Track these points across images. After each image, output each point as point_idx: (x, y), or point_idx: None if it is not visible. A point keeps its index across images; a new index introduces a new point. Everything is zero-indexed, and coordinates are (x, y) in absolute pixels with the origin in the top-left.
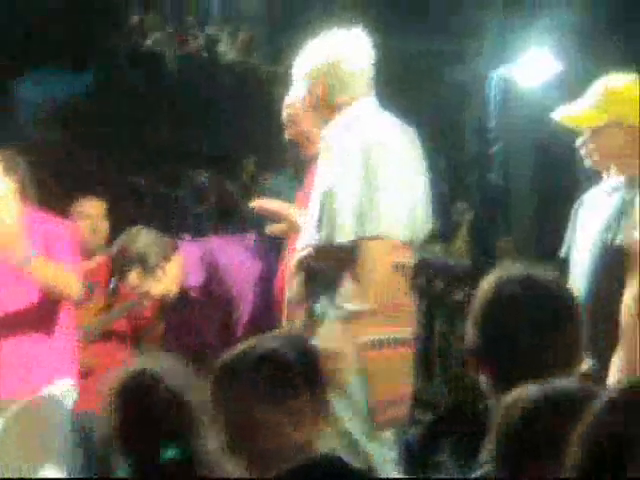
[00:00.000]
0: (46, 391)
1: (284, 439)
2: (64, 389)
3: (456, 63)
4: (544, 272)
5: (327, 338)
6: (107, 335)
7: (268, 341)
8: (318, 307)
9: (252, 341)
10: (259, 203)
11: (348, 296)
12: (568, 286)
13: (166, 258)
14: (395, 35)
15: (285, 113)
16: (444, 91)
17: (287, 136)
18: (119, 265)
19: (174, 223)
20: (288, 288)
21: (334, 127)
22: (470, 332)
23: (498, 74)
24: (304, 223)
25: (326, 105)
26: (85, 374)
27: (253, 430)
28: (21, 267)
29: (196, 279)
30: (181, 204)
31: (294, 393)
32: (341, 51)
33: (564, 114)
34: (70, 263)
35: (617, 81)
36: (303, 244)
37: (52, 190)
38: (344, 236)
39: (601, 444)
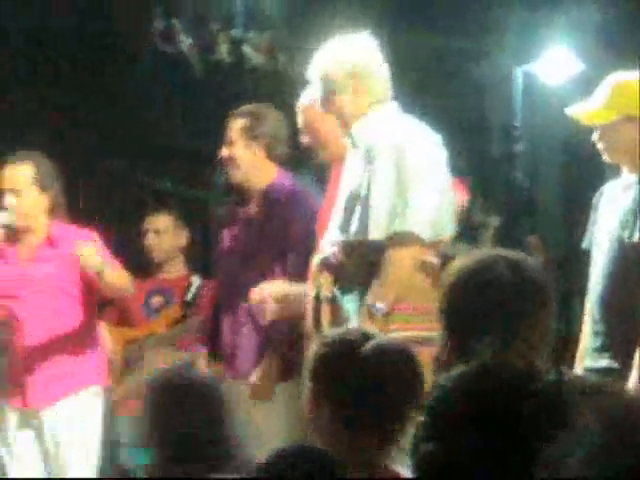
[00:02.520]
0: (79, 397)
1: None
2: (95, 394)
3: (478, 61)
4: (515, 254)
5: None
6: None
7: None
8: (346, 305)
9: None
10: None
11: (376, 294)
12: (538, 267)
13: None
14: (417, 34)
15: (301, 119)
16: (467, 89)
17: (304, 141)
18: None
19: (198, 225)
20: (311, 285)
21: (362, 128)
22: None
23: (521, 71)
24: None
25: (349, 108)
26: None
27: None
28: (95, 271)
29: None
30: (205, 206)
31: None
32: (357, 55)
33: (577, 111)
34: (113, 263)
35: (626, 77)
36: (329, 242)
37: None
38: (377, 232)
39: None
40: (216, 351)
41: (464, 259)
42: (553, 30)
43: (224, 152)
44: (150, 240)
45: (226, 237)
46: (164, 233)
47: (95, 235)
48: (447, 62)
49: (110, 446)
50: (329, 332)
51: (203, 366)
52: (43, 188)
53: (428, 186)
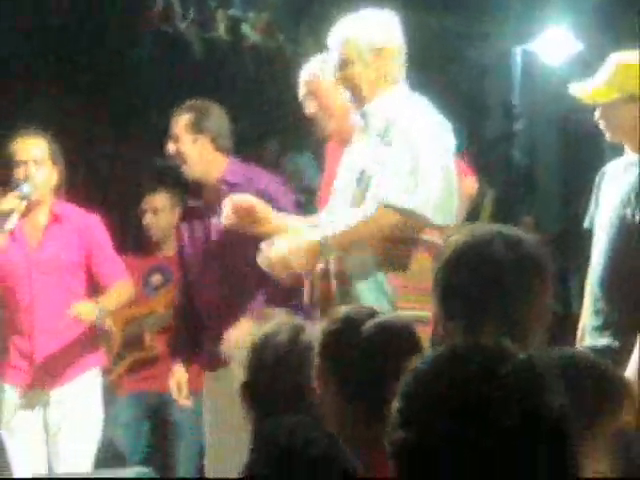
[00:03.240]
0: (83, 378)
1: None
2: (96, 375)
3: (478, 41)
4: (514, 230)
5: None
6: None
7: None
8: (356, 281)
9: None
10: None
11: (379, 266)
12: (537, 244)
13: None
14: (416, 15)
15: (305, 88)
16: (466, 70)
17: (307, 111)
18: None
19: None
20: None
21: (378, 107)
22: (442, 284)
23: (520, 50)
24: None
25: (364, 83)
26: (152, 360)
27: None
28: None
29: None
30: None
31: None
32: (382, 32)
33: (579, 90)
34: (112, 253)
35: (628, 57)
36: (331, 220)
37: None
38: (388, 209)
39: None
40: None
41: (460, 235)
42: (552, 10)
43: (171, 148)
44: (148, 219)
45: (185, 234)
46: (161, 211)
47: (97, 217)
48: (446, 42)
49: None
50: (339, 309)
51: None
52: (54, 163)
53: (439, 171)
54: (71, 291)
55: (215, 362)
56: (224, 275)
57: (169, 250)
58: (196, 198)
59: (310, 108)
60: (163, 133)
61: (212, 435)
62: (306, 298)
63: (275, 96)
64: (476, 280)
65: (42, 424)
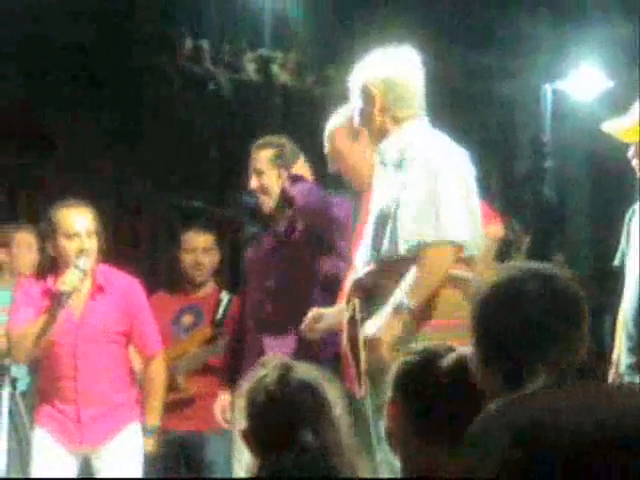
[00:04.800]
0: (124, 433)
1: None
2: (136, 430)
3: (508, 78)
4: (549, 268)
5: (374, 324)
6: (208, 369)
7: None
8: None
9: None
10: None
11: (404, 291)
12: (572, 280)
13: None
14: (446, 52)
15: (329, 146)
16: (495, 107)
17: (332, 170)
18: None
19: (225, 244)
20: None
21: (391, 142)
22: (478, 332)
23: (550, 88)
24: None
25: (381, 121)
26: (187, 401)
27: None
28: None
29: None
30: (232, 224)
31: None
32: (397, 68)
33: (612, 127)
34: (150, 318)
35: None
36: (361, 262)
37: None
38: (406, 243)
39: None
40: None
41: (495, 273)
42: (582, 48)
43: (254, 183)
44: (200, 258)
45: (253, 259)
46: (210, 251)
47: (137, 282)
48: (477, 80)
49: None
50: (414, 346)
51: None
52: (99, 232)
53: (459, 200)
54: (114, 356)
55: None
56: (277, 294)
57: (205, 290)
58: (254, 224)
59: (334, 168)
60: (193, 173)
61: (241, 473)
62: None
63: (305, 135)
64: (511, 320)
65: (75, 475)
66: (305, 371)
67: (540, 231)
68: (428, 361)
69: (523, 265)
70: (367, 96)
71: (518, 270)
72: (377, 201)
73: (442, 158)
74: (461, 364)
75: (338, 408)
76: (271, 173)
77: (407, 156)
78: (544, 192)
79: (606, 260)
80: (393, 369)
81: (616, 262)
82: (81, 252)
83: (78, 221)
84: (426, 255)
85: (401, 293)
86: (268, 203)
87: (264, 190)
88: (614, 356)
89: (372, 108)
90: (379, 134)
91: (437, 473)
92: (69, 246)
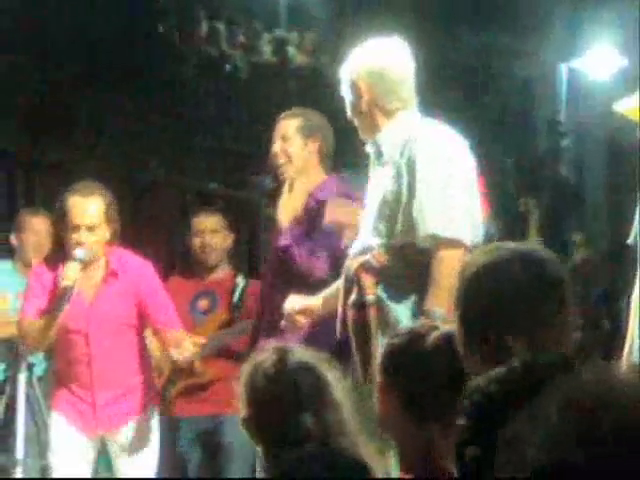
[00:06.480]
0: (141, 418)
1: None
2: (152, 413)
3: (523, 58)
4: (532, 249)
5: None
6: (225, 353)
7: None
8: (393, 307)
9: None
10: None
11: (434, 299)
12: (556, 263)
13: None
14: (462, 33)
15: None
16: (511, 87)
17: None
18: None
19: (245, 227)
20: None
21: (388, 135)
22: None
23: (566, 67)
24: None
25: (370, 114)
26: (204, 385)
27: None
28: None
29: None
30: (251, 207)
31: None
32: (385, 60)
33: (624, 107)
34: (166, 301)
35: None
36: (360, 247)
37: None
38: (426, 233)
39: None
40: None
41: (479, 255)
42: (597, 27)
43: (277, 147)
44: (207, 240)
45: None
46: (218, 233)
47: (151, 266)
48: (493, 59)
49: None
50: (400, 328)
51: None
52: (109, 222)
53: (464, 190)
54: (128, 340)
55: None
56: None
57: (219, 273)
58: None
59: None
60: (209, 155)
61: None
62: (338, 331)
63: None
64: (494, 301)
65: (93, 459)
66: (303, 353)
67: (557, 210)
68: (412, 341)
69: (512, 247)
70: (355, 89)
71: (505, 251)
72: (379, 190)
73: (448, 150)
74: (446, 341)
75: (338, 389)
76: (296, 140)
77: (410, 150)
78: (560, 170)
79: (623, 238)
80: (380, 352)
81: (630, 240)
82: (79, 244)
83: (81, 213)
84: (442, 259)
85: (430, 301)
86: (288, 170)
87: (287, 155)
88: (628, 334)
89: (360, 100)
90: (370, 126)
91: (433, 453)
92: (69, 237)
